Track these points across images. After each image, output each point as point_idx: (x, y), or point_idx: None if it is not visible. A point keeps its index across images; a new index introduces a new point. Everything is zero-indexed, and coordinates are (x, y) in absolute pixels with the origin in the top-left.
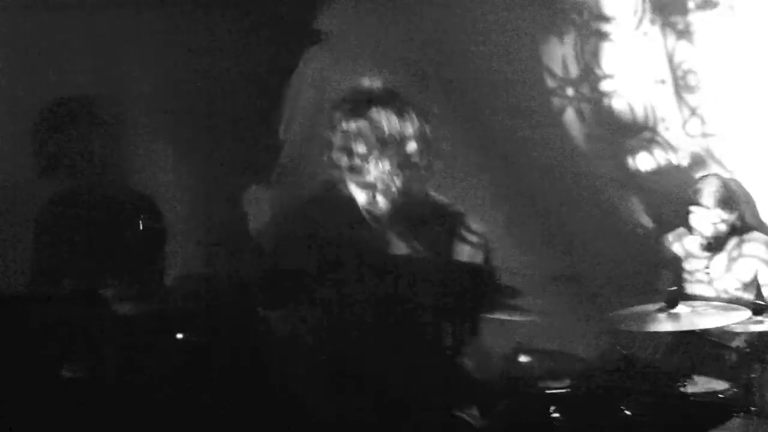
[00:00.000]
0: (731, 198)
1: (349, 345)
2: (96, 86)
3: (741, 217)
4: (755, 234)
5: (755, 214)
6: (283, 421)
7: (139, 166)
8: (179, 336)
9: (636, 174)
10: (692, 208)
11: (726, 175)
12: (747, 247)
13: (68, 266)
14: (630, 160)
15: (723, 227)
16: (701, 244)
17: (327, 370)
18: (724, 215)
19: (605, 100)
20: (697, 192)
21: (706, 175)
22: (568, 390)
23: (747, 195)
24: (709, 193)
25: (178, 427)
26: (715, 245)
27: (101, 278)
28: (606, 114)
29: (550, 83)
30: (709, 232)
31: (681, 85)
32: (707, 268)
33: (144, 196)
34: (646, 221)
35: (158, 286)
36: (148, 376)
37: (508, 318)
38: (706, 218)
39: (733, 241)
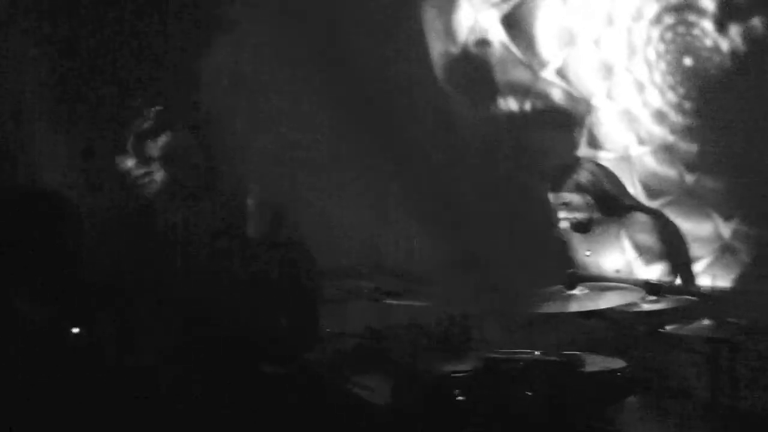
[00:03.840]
0: (587, 181)
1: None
2: None
3: (606, 200)
4: (636, 214)
5: (627, 195)
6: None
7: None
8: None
9: (530, 157)
10: (550, 195)
11: (590, 159)
12: (627, 228)
13: None
14: (527, 147)
15: (582, 211)
16: (570, 226)
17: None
18: (580, 199)
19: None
20: (554, 178)
21: (565, 162)
22: (471, 373)
23: (612, 177)
24: (563, 178)
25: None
26: (580, 227)
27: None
28: (506, 102)
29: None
30: (571, 215)
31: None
32: (588, 250)
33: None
34: (541, 205)
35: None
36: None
37: (411, 303)
38: (561, 203)
39: (606, 223)
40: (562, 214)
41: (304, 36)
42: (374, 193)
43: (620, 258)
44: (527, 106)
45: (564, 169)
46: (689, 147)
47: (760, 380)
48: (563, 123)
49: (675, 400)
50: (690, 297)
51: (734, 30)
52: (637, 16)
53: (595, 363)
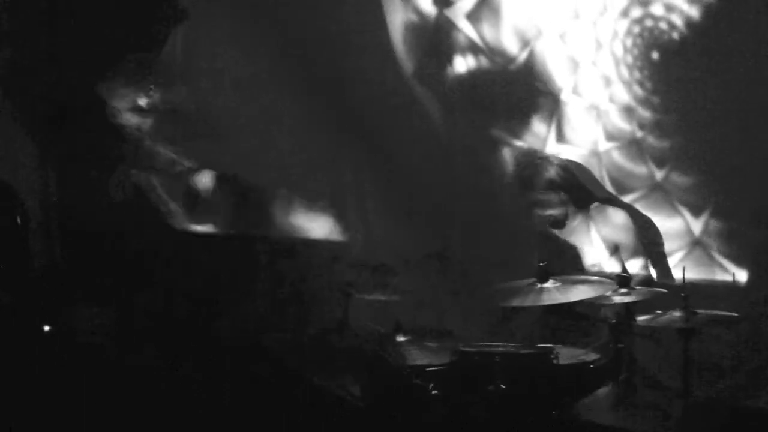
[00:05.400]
0: (559, 178)
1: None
2: None
3: (580, 194)
4: (609, 209)
5: (601, 188)
6: None
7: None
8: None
9: (503, 151)
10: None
11: (562, 156)
12: (601, 222)
13: None
14: (500, 141)
15: (557, 208)
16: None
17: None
18: (554, 196)
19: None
20: (526, 176)
21: (537, 160)
22: (446, 367)
23: (585, 171)
24: (535, 177)
25: None
26: (556, 224)
27: None
28: (478, 95)
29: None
30: (546, 213)
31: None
32: (564, 243)
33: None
34: (515, 201)
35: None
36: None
37: (385, 298)
38: (533, 201)
39: (580, 217)
40: (537, 212)
41: (263, 27)
42: (347, 187)
43: (592, 251)
44: (495, 100)
45: (535, 167)
46: (658, 142)
47: (729, 369)
48: (531, 118)
49: (646, 389)
50: (660, 289)
51: (701, 24)
52: (603, 10)
53: (568, 355)
